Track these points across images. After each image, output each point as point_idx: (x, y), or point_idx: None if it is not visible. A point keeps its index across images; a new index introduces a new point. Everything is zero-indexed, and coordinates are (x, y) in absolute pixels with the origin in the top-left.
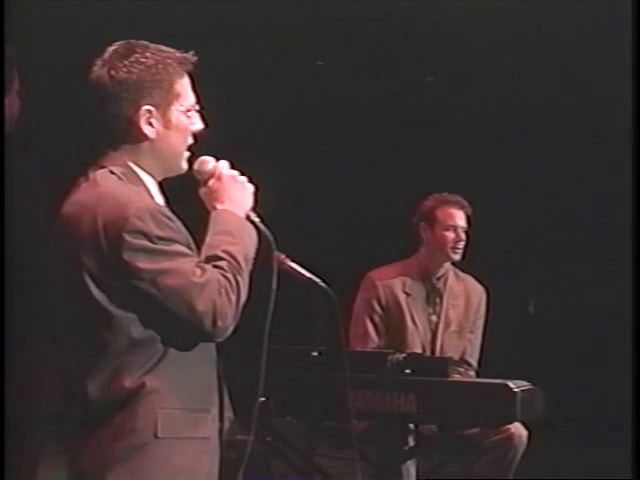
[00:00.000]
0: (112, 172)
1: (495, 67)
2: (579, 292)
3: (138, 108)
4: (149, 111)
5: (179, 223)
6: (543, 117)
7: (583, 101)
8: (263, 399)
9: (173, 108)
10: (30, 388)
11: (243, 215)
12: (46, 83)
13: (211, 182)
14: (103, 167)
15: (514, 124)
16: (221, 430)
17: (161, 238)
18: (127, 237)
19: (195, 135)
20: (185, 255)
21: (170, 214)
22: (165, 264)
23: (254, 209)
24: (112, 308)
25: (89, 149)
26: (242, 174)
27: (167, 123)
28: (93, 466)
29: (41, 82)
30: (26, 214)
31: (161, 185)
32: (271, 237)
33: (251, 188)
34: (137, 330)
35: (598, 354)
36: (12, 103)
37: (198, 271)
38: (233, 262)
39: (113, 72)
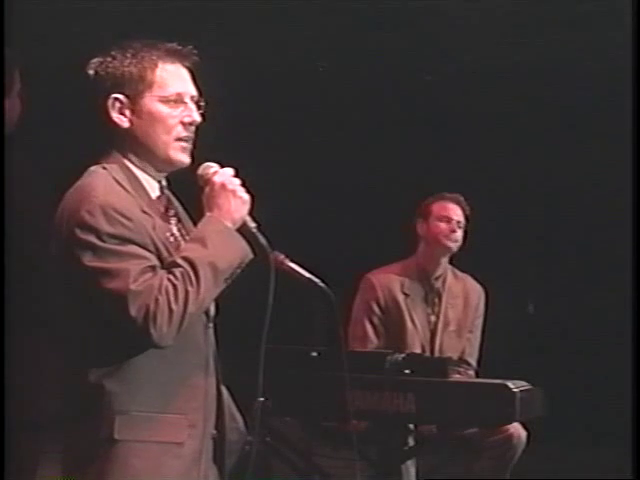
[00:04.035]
0: (104, 168)
1: (495, 66)
2: (579, 292)
3: (107, 97)
4: (118, 100)
5: (141, 222)
6: (543, 117)
7: (584, 100)
8: (262, 399)
9: (145, 96)
10: (30, 388)
11: (231, 223)
12: (46, 83)
13: (206, 189)
14: (99, 163)
15: (514, 124)
16: (216, 438)
17: (112, 236)
18: (78, 232)
19: (197, 128)
20: (137, 257)
21: (127, 212)
22: (112, 264)
23: (252, 217)
24: (70, 305)
25: (88, 148)
26: (243, 183)
27: (139, 112)
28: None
29: (41, 82)
30: (26, 214)
31: (170, 186)
32: (267, 245)
33: (245, 196)
34: (89, 329)
35: (598, 354)
36: (13, 105)
37: (144, 276)
38: (189, 270)
39: (94, 69)
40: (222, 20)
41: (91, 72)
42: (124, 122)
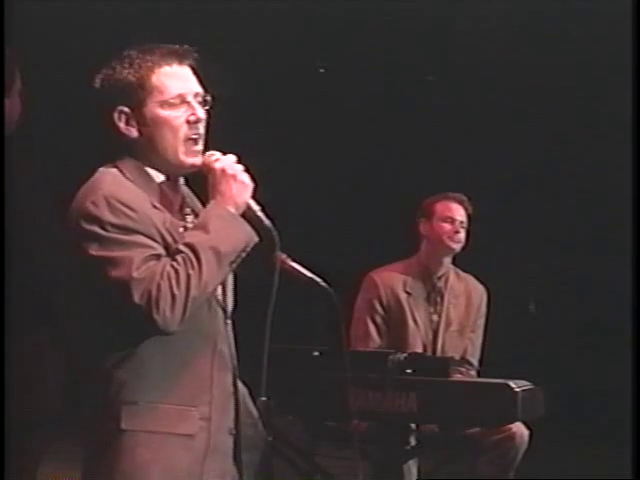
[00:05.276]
0: (116, 166)
1: (496, 66)
2: (579, 292)
3: (113, 110)
4: (124, 112)
5: (147, 214)
6: (544, 116)
7: (584, 99)
8: (264, 399)
9: (148, 104)
10: (30, 388)
11: (234, 208)
12: (46, 83)
13: (209, 177)
14: (112, 162)
15: (515, 123)
16: (234, 434)
17: (115, 226)
18: (83, 223)
19: (207, 128)
20: (141, 245)
21: (132, 204)
22: (116, 253)
23: (256, 200)
24: (78, 299)
25: (99, 153)
26: (247, 169)
27: (144, 120)
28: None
29: (41, 83)
30: (26, 214)
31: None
32: (272, 227)
33: (246, 180)
34: (97, 321)
35: (598, 354)
36: (13, 104)
37: (147, 264)
38: (190, 254)
39: (99, 83)
40: (223, 21)
41: (97, 86)
42: (133, 132)
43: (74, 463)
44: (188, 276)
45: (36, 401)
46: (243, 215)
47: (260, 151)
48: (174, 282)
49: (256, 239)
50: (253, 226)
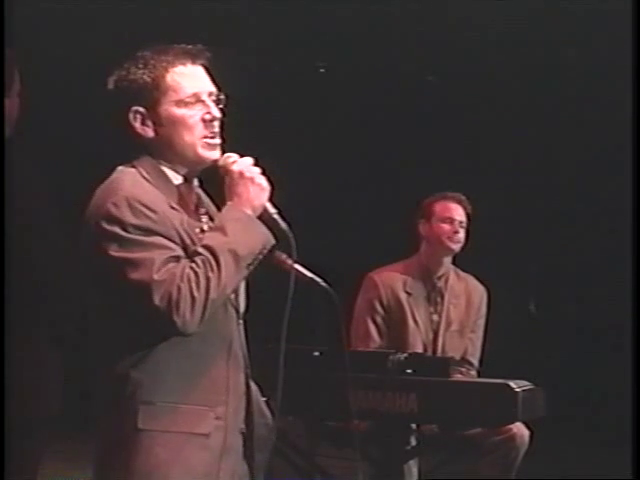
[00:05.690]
0: (134, 166)
1: (496, 66)
2: (579, 292)
3: (128, 111)
4: (139, 112)
5: (166, 216)
6: (544, 117)
7: (584, 100)
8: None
9: (163, 103)
10: (30, 388)
11: (251, 210)
12: (46, 83)
13: (227, 179)
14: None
15: (515, 123)
16: (245, 433)
17: (137, 227)
18: (103, 224)
19: (222, 124)
20: (161, 247)
21: (152, 205)
22: (136, 254)
23: (273, 203)
24: (95, 299)
25: (94, 150)
26: (263, 172)
27: (160, 120)
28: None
29: (41, 83)
30: (26, 214)
31: (201, 182)
32: (288, 230)
33: (264, 183)
34: (114, 322)
35: (598, 354)
36: (12, 105)
37: (167, 266)
38: (209, 257)
39: (112, 85)
40: (223, 21)
41: (110, 87)
42: (149, 132)
43: (74, 463)
44: (208, 279)
45: (36, 401)
46: (259, 218)
47: (259, 151)
48: (194, 284)
49: (273, 241)
50: (269, 228)
